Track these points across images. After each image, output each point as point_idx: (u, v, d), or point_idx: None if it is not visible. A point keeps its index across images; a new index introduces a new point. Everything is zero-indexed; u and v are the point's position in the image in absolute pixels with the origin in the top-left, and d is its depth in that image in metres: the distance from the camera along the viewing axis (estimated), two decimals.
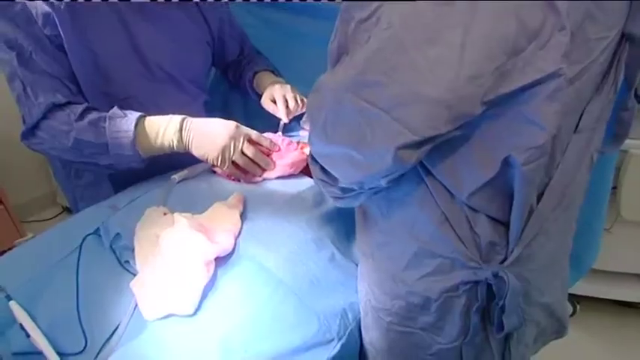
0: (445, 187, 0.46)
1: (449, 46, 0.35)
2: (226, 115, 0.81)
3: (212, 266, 0.54)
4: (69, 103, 0.70)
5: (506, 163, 0.41)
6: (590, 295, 1.35)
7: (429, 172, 0.46)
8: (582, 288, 1.29)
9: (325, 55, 1.17)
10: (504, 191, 0.44)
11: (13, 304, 0.56)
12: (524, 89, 0.37)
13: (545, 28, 0.35)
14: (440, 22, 0.35)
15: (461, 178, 0.44)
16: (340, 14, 0.45)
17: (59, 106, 0.70)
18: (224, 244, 0.56)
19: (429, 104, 0.37)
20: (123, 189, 0.83)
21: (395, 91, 0.38)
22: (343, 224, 0.69)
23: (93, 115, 0.70)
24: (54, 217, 2.76)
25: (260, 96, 1.00)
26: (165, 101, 0.84)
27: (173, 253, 0.54)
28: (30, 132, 0.71)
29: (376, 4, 0.39)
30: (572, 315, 1.33)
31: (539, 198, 0.44)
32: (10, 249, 2.04)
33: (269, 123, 0.96)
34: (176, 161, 0.79)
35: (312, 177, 0.76)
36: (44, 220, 2.67)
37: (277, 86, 0.92)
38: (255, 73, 1.01)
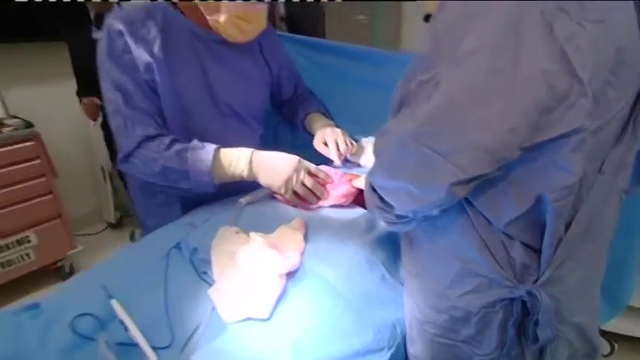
0: (485, 217, 0.54)
1: (493, 106, 0.44)
2: (276, 146, 0.94)
3: (284, 279, 0.64)
4: (159, 135, 0.84)
5: (539, 199, 0.50)
6: (628, 334, 1.34)
7: (471, 204, 0.55)
8: (621, 326, 1.29)
9: (368, 95, 1.30)
10: (537, 222, 0.52)
11: (113, 302, 0.67)
12: (553, 140, 0.45)
13: (572, 93, 0.44)
14: (486, 87, 0.45)
15: (499, 210, 0.53)
16: (404, 74, 0.57)
17: (151, 138, 0.83)
18: (293, 260, 0.66)
19: (476, 150, 0.46)
20: (191, 209, 0.95)
21: (450, 140, 0.48)
22: (391, 249, 0.78)
23: (178, 146, 0.83)
24: (99, 232, 2.96)
25: (310, 134, 1.12)
26: (230, 134, 0.97)
27: (251, 266, 0.64)
28: (126, 159, 0.84)
29: (435, 70, 0.50)
30: (610, 354, 1.32)
31: (567, 228, 0.52)
32: (62, 259, 2.22)
33: (312, 153, 1.07)
34: (237, 186, 0.91)
35: (361, 207, 0.86)
36: (90, 235, 2.86)
37: (329, 130, 1.03)
38: (307, 114, 1.13)
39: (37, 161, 2.23)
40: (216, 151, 0.83)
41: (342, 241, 0.74)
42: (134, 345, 0.63)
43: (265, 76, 1.08)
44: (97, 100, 1.99)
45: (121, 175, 2.39)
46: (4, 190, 2.16)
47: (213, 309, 0.66)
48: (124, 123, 0.83)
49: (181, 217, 0.89)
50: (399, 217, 0.60)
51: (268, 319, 0.61)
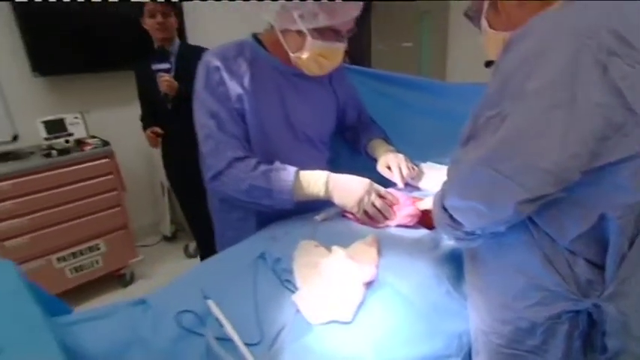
0: (548, 235, 0.60)
1: (555, 136, 0.51)
2: (335, 167, 1.04)
3: (364, 287, 0.71)
4: (246, 157, 0.95)
5: (602, 217, 0.55)
6: None
7: (534, 223, 0.60)
8: None
9: (424, 122, 1.37)
10: (600, 239, 0.57)
11: (210, 302, 0.77)
12: (612, 164, 0.51)
13: (627, 124, 0.50)
14: (549, 120, 0.52)
15: (563, 228, 0.58)
16: (471, 112, 0.65)
17: (239, 159, 0.95)
18: (371, 272, 0.74)
19: (541, 173, 0.52)
20: (265, 224, 1.06)
21: (516, 164, 0.54)
22: (454, 266, 0.84)
23: (263, 167, 0.94)
24: (155, 244, 3.15)
25: (372, 158, 1.21)
26: (303, 157, 1.08)
27: (336, 275, 0.73)
28: (216, 177, 0.96)
29: (501, 107, 0.57)
30: None
31: (631, 245, 0.56)
32: (125, 267, 2.40)
33: (368, 175, 1.13)
34: (307, 205, 1.01)
35: (424, 227, 0.93)
36: (148, 246, 3.06)
37: (392, 155, 1.11)
38: (370, 139, 1.22)
39: (111, 176, 2.46)
40: (297, 172, 0.94)
41: (411, 257, 0.81)
42: (228, 340, 0.73)
43: (334, 105, 1.18)
44: (157, 130, 2.17)
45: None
46: (82, 202, 2.40)
47: (297, 312, 0.74)
48: (216, 146, 0.95)
49: (261, 231, 1.00)
50: (467, 233, 0.66)
51: (351, 322, 0.68)
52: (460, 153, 0.66)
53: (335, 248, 0.79)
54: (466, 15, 0.83)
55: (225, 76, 0.95)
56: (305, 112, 1.09)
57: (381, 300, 0.72)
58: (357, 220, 0.97)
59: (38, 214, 2.29)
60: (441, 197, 0.70)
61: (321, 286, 0.74)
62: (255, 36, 1.05)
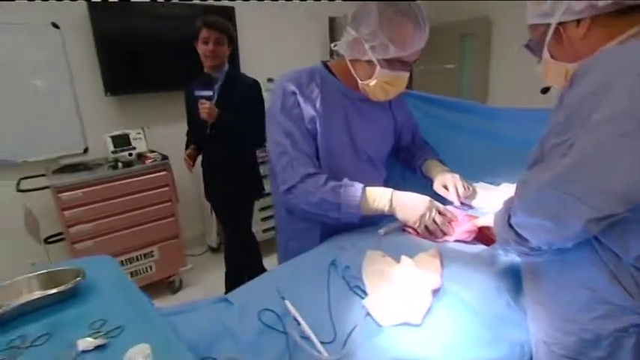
0: (613, 252, 0.64)
1: (622, 161, 0.56)
2: (386, 183, 1.12)
3: (432, 294, 0.78)
4: (316, 173, 1.05)
5: None
6: None
7: (599, 240, 0.65)
8: None
9: (475, 144, 1.43)
10: None
11: (287, 303, 0.85)
12: None
13: None
14: (615, 147, 0.57)
15: (628, 245, 0.62)
16: (538, 139, 0.71)
17: (311, 175, 1.04)
18: (437, 280, 0.81)
19: (610, 194, 0.57)
20: (328, 236, 1.15)
21: (586, 186, 0.60)
22: (512, 281, 0.89)
23: (332, 183, 1.03)
24: (201, 254, 3.30)
25: (425, 176, 1.28)
26: (364, 174, 1.17)
27: (404, 281, 0.80)
28: (289, 190, 1.06)
29: (568, 135, 0.63)
30: None
31: None
32: (175, 274, 2.54)
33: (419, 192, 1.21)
34: (366, 220, 1.09)
35: (481, 243, 0.99)
36: (194, 255, 3.21)
37: (448, 175, 1.18)
38: (425, 160, 1.29)
39: (167, 188, 2.64)
40: (364, 189, 1.02)
41: (472, 270, 0.87)
42: (304, 337, 0.80)
43: (392, 127, 1.27)
44: (191, 153, 2.26)
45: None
46: (140, 211, 2.58)
47: (367, 315, 0.82)
48: (290, 162, 1.05)
49: (328, 242, 1.09)
50: (533, 249, 0.72)
51: (420, 325, 0.75)
52: (527, 175, 0.72)
53: (404, 258, 0.86)
54: (526, 46, 0.90)
55: (300, 99, 1.06)
56: (367, 133, 1.18)
57: (447, 307, 0.78)
58: (418, 234, 1.04)
59: (102, 220, 2.49)
60: (504, 215, 0.76)
61: (391, 292, 0.81)
62: (324, 63, 1.16)
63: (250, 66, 3.38)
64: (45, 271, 0.87)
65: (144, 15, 2.77)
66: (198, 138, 2.20)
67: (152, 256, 2.67)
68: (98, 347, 0.67)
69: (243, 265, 2.41)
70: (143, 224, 2.61)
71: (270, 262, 3.08)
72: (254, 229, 3.04)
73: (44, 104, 2.60)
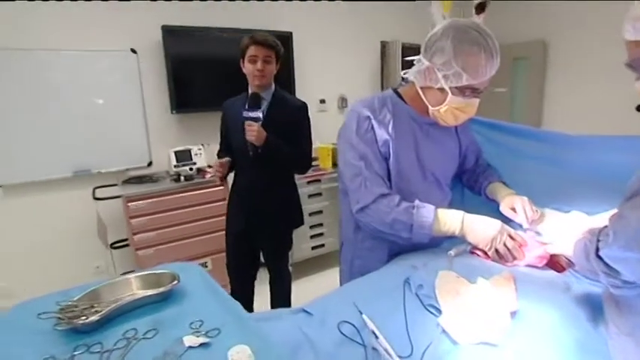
0: None
1: None
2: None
3: (509, 316, 0.80)
4: (389, 194, 1.10)
5: None
6: None
7: None
8: None
9: (539, 170, 1.43)
10: None
11: (365, 317, 0.89)
12: None
13: None
14: None
15: None
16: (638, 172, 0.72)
17: (384, 196, 1.09)
18: (514, 302, 0.82)
19: None
20: (396, 255, 1.18)
21: None
22: (590, 309, 0.89)
23: (405, 204, 1.08)
24: None
25: (490, 198, 1.30)
26: (431, 196, 1.20)
27: (481, 302, 0.82)
28: (362, 210, 1.11)
29: None
30: None
31: None
32: (224, 286, 2.59)
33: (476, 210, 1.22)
34: (435, 240, 1.12)
35: (552, 269, 0.99)
36: None
37: (517, 198, 1.19)
38: (490, 182, 1.31)
39: (223, 202, 2.76)
40: (435, 210, 1.06)
41: (548, 294, 0.88)
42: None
43: (457, 150, 1.31)
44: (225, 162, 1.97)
45: None
46: (198, 223, 2.72)
47: (442, 332, 0.84)
48: (363, 183, 1.11)
49: (399, 260, 1.13)
50: (626, 282, 0.72)
51: (498, 345, 0.77)
52: (625, 208, 0.73)
53: (481, 279, 0.89)
54: (628, 65, 0.87)
55: (374, 124, 1.12)
56: (434, 156, 1.22)
57: (525, 329, 0.79)
58: (487, 257, 1.06)
59: (163, 230, 2.65)
60: (590, 245, 0.77)
61: (467, 311, 0.83)
62: (394, 90, 1.23)
63: (304, 87, 3.52)
64: (146, 272, 0.97)
65: (210, 40, 2.98)
66: (239, 161, 1.99)
67: (206, 266, 2.79)
68: (202, 345, 0.74)
69: (272, 295, 2.28)
70: (200, 235, 2.74)
71: (318, 278, 3.13)
72: (303, 245, 3.13)
73: (117, 120, 2.84)
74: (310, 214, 3.11)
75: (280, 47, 1.88)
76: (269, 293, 2.28)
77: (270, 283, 2.26)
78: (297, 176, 2.98)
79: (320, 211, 3.16)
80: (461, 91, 1.05)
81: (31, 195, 2.67)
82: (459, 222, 1.05)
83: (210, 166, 2.87)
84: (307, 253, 3.16)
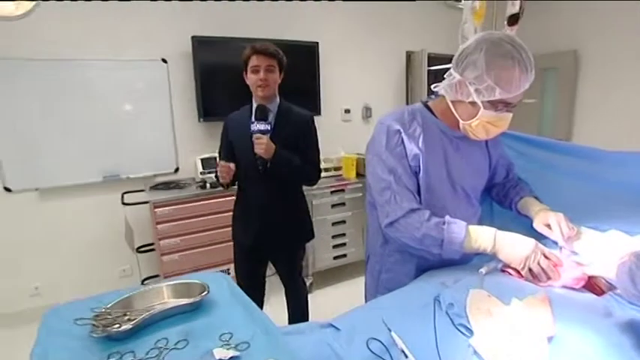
0: None
1: None
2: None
3: (547, 341, 0.77)
4: (419, 208, 1.08)
5: None
6: None
7: None
8: None
9: (573, 186, 1.38)
10: None
11: (394, 334, 0.88)
12: None
13: None
14: None
15: None
16: None
17: (414, 210, 1.08)
18: (552, 326, 0.79)
19: None
20: (424, 271, 1.16)
21: None
22: (635, 336, 0.84)
23: (436, 219, 1.06)
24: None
25: (521, 214, 1.26)
26: (461, 210, 1.18)
27: (515, 324, 0.80)
28: (391, 224, 1.10)
29: None
30: None
31: None
32: None
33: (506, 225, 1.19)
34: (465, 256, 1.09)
35: (590, 292, 0.95)
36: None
37: (552, 213, 1.16)
38: (522, 197, 1.28)
39: None
40: (467, 226, 1.04)
41: (587, 319, 0.84)
42: None
43: (487, 164, 1.28)
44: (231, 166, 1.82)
45: None
46: (222, 230, 2.74)
47: (474, 353, 0.82)
48: (393, 197, 1.10)
49: (429, 277, 1.11)
50: None
51: None
52: None
53: (514, 300, 0.86)
54: None
55: (404, 138, 1.11)
56: (464, 170, 1.20)
57: (564, 356, 0.76)
58: (520, 276, 1.02)
59: (188, 236, 2.69)
60: (632, 270, 0.74)
61: (500, 333, 0.81)
62: (424, 103, 1.21)
63: (329, 97, 3.54)
64: (176, 282, 0.98)
65: (237, 50, 3.02)
66: (247, 176, 1.89)
67: (229, 273, 2.80)
68: (232, 358, 0.74)
69: (289, 309, 2.23)
70: (223, 242, 2.77)
71: (340, 289, 3.10)
72: (325, 255, 3.12)
73: (147, 128, 2.92)
74: (333, 224, 3.11)
75: (282, 56, 1.82)
76: (285, 306, 2.24)
77: (286, 297, 2.21)
78: (320, 186, 3.03)
79: (343, 221, 3.15)
80: (493, 105, 1.03)
81: (64, 198, 2.77)
82: (491, 239, 1.03)
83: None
84: (329, 263, 3.14)
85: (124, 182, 2.87)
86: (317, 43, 3.28)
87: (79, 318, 0.82)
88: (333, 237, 3.13)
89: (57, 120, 2.66)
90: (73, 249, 2.86)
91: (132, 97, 2.85)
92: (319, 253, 3.08)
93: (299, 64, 3.27)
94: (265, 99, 1.80)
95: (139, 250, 2.84)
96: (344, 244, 3.18)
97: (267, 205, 1.89)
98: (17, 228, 2.70)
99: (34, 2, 1.07)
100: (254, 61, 1.75)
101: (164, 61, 2.89)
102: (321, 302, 2.94)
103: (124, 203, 2.75)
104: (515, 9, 1.48)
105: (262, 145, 1.69)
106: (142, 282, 2.92)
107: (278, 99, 1.89)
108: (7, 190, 2.62)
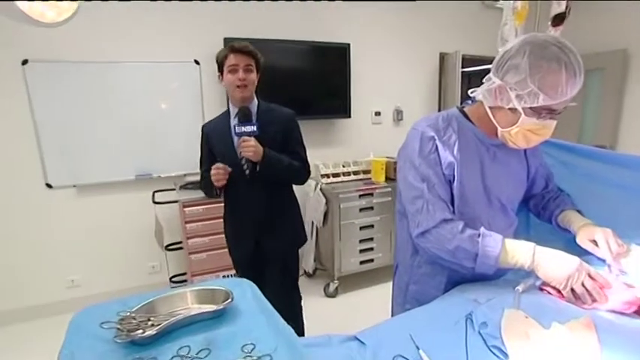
0: None
1: None
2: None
3: None
4: (452, 219, 1.03)
5: None
6: None
7: None
8: None
9: (621, 198, 1.28)
10: None
11: (422, 352, 0.84)
12: None
13: None
14: None
15: None
16: None
17: (447, 221, 1.03)
18: (598, 356, 0.73)
19: None
20: (455, 285, 1.11)
21: None
22: None
23: (470, 231, 1.01)
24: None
25: (562, 228, 1.18)
26: (496, 222, 1.12)
27: (557, 352, 0.74)
28: (423, 234, 1.05)
29: None
30: None
31: None
32: None
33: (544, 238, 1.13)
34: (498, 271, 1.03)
35: None
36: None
37: (598, 229, 1.07)
38: (563, 210, 1.20)
39: None
40: (503, 240, 0.98)
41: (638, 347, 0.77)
42: None
43: (525, 173, 1.21)
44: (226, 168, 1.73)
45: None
46: None
47: None
48: (425, 206, 1.05)
49: (460, 292, 1.05)
50: None
51: None
52: None
53: (555, 324, 0.80)
54: None
55: (439, 145, 1.06)
56: (500, 180, 1.13)
57: None
58: (561, 296, 0.95)
59: (215, 236, 2.71)
60: None
61: (535, 357, 0.75)
62: (460, 108, 1.16)
63: (359, 99, 3.50)
64: (200, 287, 0.98)
65: (269, 52, 3.03)
66: (234, 182, 1.77)
67: None
68: None
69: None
70: None
71: (364, 294, 3.06)
72: (351, 260, 3.08)
73: (178, 128, 2.98)
74: (361, 228, 3.06)
75: (260, 56, 1.76)
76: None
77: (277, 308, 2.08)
78: (349, 189, 2.98)
79: (371, 226, 3.10)
80: (536, 111, 0.97)
81: (99, 195, 2.87)
82: (530, 255, 0.96)
83: None
84: (355, 268, 3.10)
85: (156, 181, 2.94)
86: (348, 44, 3.24)
87: (105, 321, 0.83)
88: (361, 241, 3.08)
89: (95, 119, 2.76)
90: (107, 244, 2.96)
91: (165, 97, 2.91)
92: (345, 257, 3.04)
93: (329, 66, 3.25)
94: (244, 100, 1.73)
95: (167, 247, 2.89)
96: (371, 249, 3.13)
97: (259, 211, 1.81)
98: (56, 223, 2.82)
99: (74, 8, 1.09)
100: (231, 60, 1.67)
101: (197, 62, 2.94)
102: (346, 307, 2.91)
103: (154, 202, 2.81)
104: (561, 8, 1.39)
105: (251, 148, 1.62)
106: (170, 279, 2.98)
107: (256, 100, 1.82)
108: (49, 186, 2.74)
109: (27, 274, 2.81)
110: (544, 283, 1.00)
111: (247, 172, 1.76)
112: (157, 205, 2.84)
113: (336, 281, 3.04)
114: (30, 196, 2.72)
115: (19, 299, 2.81)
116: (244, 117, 1.67)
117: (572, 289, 0.94)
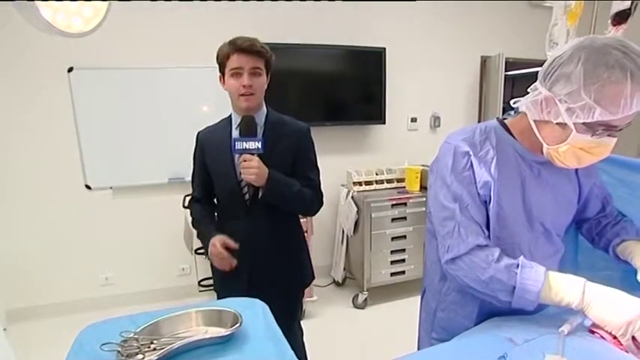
0: None
1: None
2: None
3: None
4: (487, 246, 0.92)
5: None
6: None
7: None
8: None
9: None
10: None
11: None
12: None
13: None
14: None
15: None
16: None
17: (481, 247, 0.92)
18: None
19: None
20: (487, 315, 0.99)
21: None
22: None
23: (507, 260, 0.89)
24: (325, 286, 3.32)
25: (620, 259, 1.04)
26: (537, 250, 0.99)
27: None
28: (453, 261, 0.94)
29: None
30: None
31: None
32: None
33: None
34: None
35: None
36: (319, 287, 3.24)
37: None
38: (623, 239, 1.05)
39: (305, 218, 2.73)
40: (546, 273, 0.86)
41: None
42: None
43: (576, 195, 1.07)
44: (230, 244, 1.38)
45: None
46: None
47: None
48: (457, 229, 0.94)
49: (494, 328, 0.93)
50: None
51: None
52: None
53: None
54: None
55: (474, 161, 0.95)
56: (545, 203, 1.00)
57: None
58: (617, 343, 0.82)
59: None
60: None
61: None
62: (500, 120, 1.04)
63: (394, 105, 3.38)
64: (208, 308, 0.92)
65: (303, 56, 3.01)
66: (230, 208, 1.48)
67: None
68: None
69: None
70: None
71: (394, 307, 2.93)
72: (382, 271, 2.97)
73: None
74: (392, 239, 2.94)
75: (270, 54, 1.42)
76: None
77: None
78: (381, 198, 2.88)
79: (403, 236, 2.97)
80: (590, 127, 0.83)
81: (134, 197, 2.95)
82: (579, 294, 0.83)
83: None
84: (385, 279, 2.98)
85: (187, 185, 2.95)
86: (384, 48, 3.14)
87: (106, 342, 0.79)
88: (392, 252, 2.96)
89: (132, 124, 2.84)
90: (140, 245, 3.03)
91: (197, 103, 2.94)
92: (376, 268, 2.94)
93: (364, 71, 3.17)
94: (250, 110, 1.39)
95: (196, 251, 2.91)
96: (403, 261, 3.00)
97: (258, 244, 1.43)
98: (93, 223, 2.91)
99: (100, 15, 1.08)
100: (234, 62, 1.35)
101: None
102: (374, 320, 2.80)
103: (184, 207, 2.83)
104: (625, 4, 1.19)
105: (253, 170, 1.27)
106: (199, 283, 3.00)
107: (265, 108, 1.47)
108: (88, 187, 2.84)
109: (64, 270, 2.93)
110: (595, 325, 0.86)
111: (247, 199, 1.41)
112: (187, 210, 2.86)
113: (365, 292, 2.94)
114: (70, 197, 2.83)
115: (56, 295, 2.94)
116: (247, 130, 1.34)
117: (634, 337, 0.80)
